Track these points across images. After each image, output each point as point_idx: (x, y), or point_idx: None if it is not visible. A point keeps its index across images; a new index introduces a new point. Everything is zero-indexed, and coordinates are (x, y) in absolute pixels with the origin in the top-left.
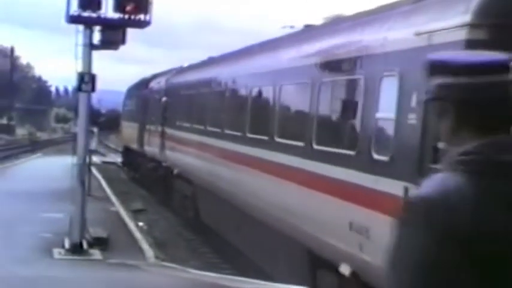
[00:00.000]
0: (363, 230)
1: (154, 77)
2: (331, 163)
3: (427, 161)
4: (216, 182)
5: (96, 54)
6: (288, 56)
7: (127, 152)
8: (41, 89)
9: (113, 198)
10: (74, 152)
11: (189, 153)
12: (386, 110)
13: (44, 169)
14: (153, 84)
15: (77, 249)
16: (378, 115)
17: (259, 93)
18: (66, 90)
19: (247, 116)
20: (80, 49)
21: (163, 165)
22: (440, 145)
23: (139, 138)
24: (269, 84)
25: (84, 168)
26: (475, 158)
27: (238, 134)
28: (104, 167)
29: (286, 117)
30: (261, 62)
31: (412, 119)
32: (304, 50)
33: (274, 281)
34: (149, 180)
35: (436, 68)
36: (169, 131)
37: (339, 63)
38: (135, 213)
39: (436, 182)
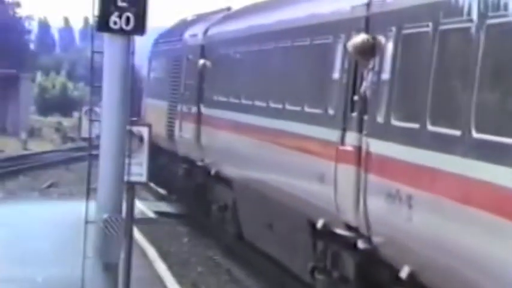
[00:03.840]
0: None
1: (195, 21)
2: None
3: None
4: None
5: None
6: None
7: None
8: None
9: None
10: (88, 192)
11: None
12: None
13: (9, 235)
14: (188, 37)
15: None
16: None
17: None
18: (68, 32)
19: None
20: None
21: (199, 165)
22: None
23: (168, 127)
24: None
25: (121, 231)
26: None
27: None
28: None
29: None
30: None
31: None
32: None
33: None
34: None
35: None
36: (207, 112)
37: None
38: None
39: None
